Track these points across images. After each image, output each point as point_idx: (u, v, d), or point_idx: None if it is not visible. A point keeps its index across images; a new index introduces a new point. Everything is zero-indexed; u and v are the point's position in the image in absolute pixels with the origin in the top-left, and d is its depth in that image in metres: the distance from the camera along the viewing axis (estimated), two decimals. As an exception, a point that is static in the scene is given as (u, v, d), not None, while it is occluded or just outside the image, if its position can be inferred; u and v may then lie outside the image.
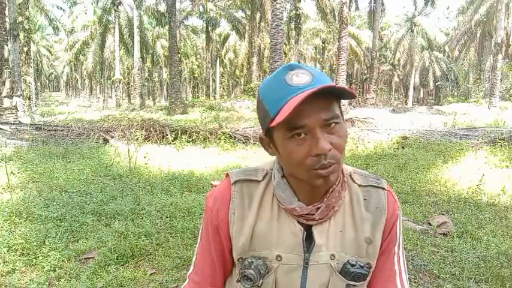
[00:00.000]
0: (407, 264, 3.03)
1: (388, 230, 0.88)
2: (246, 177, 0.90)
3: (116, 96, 35.81)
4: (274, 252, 0.84)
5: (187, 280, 0.96)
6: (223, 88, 45.93)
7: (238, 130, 9.60)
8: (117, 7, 28.38)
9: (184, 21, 33.22)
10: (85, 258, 3.11)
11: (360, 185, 0.89)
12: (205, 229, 0.93)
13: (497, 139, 7.68)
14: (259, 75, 28.64)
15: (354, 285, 0.85)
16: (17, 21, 16.75)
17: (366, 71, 37.92)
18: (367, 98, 25.33)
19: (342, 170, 0.87)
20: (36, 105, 24.99)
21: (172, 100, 19.41)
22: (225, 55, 40.50)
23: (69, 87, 61.06)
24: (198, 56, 41.17)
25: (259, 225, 0.86)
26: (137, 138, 7.53)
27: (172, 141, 8.81)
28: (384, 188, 0.89)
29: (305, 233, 0.84)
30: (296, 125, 0.74)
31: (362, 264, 0.85)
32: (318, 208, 0.83)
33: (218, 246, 0.91)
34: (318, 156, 0.74)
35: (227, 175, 0.93)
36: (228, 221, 0.88)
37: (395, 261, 0.89)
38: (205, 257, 0.93)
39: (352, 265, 0.84)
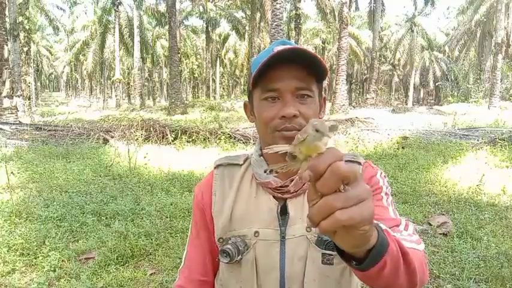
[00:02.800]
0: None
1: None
2: (227, 161, 0.96)
3: (116, 96, 35.78)
4: (252, 229, 0.86)
5: (178, 276, 0.98)
6: (223, 88, 45.93)
7: (238, 130, 9.60)
8: (117, 7, 28.35)
9: (184, 21, 33.20)
10: (85, 258, 3.12)
11: None
12: (194, 217, 0.97)
13: (497, 139, 7.68)
14: (259, 75, 28.53)
15: (330, 255, 0.82)
16: (17, 21, 16.76)
17: (366, 71, 37.92)
18: (367, 98, 25.30)
19: None
20: (36, 105, 25.00)
21: (172, 100, 19.41)
22: (225, 55, 40.48)
23: (69, 87, 61.02)
24: (198, 56, 41.15)
25: (238, 205, 0.89)
26: (137, 138, 7.54)
27: (172, 141, 8.81)
28: (359, 163, 0.89)
29: (279, 206, 0.86)
30: (270, 87, 0.81)
31: None
32: (292, 180, 0.85)
33: (204, 227, 0.93)
34: (283, 119, 0.80)
35: None
36: (211, 202, 0.92)
37: (384, 201, 0.84)
38: (194, 244, 0.95)
39: None
